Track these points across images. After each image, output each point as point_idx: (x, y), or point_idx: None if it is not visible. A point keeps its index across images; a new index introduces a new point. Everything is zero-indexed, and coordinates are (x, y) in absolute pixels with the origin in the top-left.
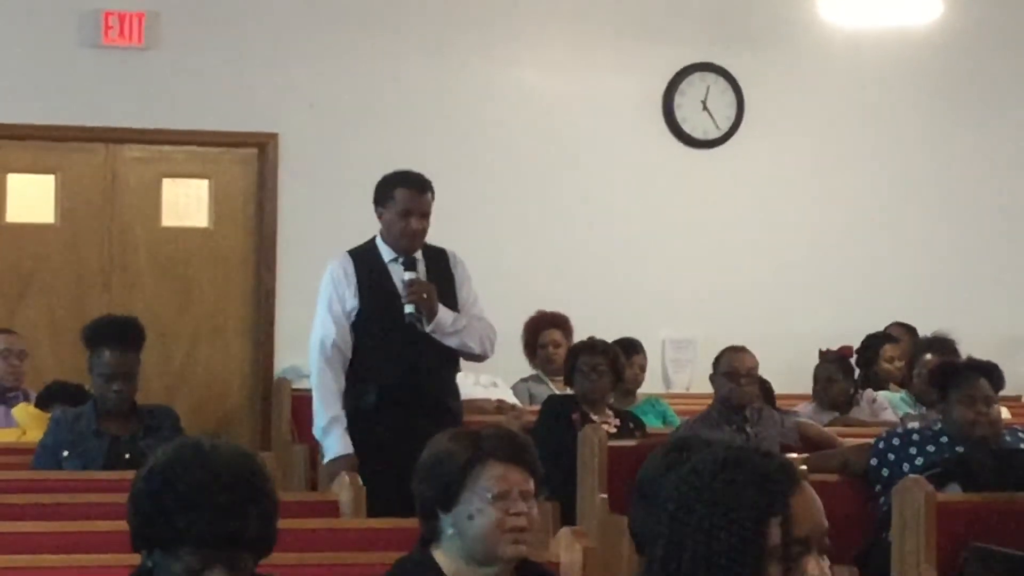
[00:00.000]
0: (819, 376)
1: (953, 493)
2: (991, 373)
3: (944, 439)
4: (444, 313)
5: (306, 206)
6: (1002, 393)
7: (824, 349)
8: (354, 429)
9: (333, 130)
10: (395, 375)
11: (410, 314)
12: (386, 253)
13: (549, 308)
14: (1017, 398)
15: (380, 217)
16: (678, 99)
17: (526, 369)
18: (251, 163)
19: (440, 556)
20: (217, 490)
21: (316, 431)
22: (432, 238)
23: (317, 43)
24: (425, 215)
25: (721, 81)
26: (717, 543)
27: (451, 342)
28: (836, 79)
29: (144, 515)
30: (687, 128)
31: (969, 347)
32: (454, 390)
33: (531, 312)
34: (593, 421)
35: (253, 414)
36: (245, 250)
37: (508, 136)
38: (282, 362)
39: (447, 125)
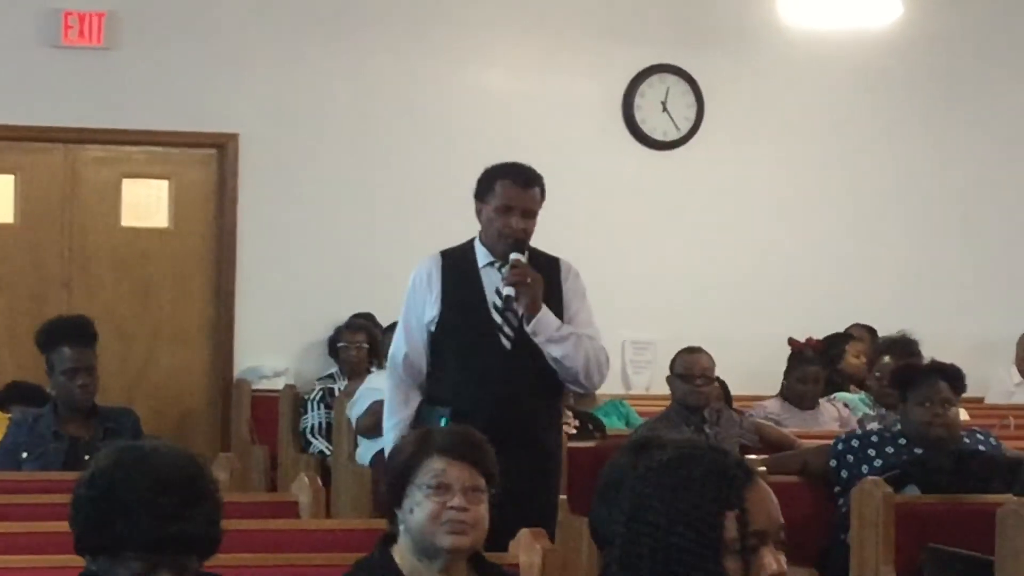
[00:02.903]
0: (805, 376)
1: (911, 495)
2: (952, 376)
3: (902, 441)
4: (549, 316)
5: (266, 207)
6: (965, 395)
7: (800, 340)
8: None
9: (293, 131)
10: (473, 398)
11: (508, 297)
12: (482, 256)
13: None
14: (979, 400)
15: (479, 214)
16: (638, 101)
17: None
18: (211, 163)
19: (398, 554)
20: (160, 494)
21: (385, 444)
22: (395, 238)
23: (277, 44)
24: (530, 214)
25: (681, 83)
26: (674, 537)
27: (553, 351)
28: (796, 81)
29: (87, 521)
30: (647, 130)
31: (933, 349)
32: (553, 422)
33: None
34: None
35: (213, 415)
36: (205, 251)
37: (468, 137)
38: (242, 363)
39: (407, 126)
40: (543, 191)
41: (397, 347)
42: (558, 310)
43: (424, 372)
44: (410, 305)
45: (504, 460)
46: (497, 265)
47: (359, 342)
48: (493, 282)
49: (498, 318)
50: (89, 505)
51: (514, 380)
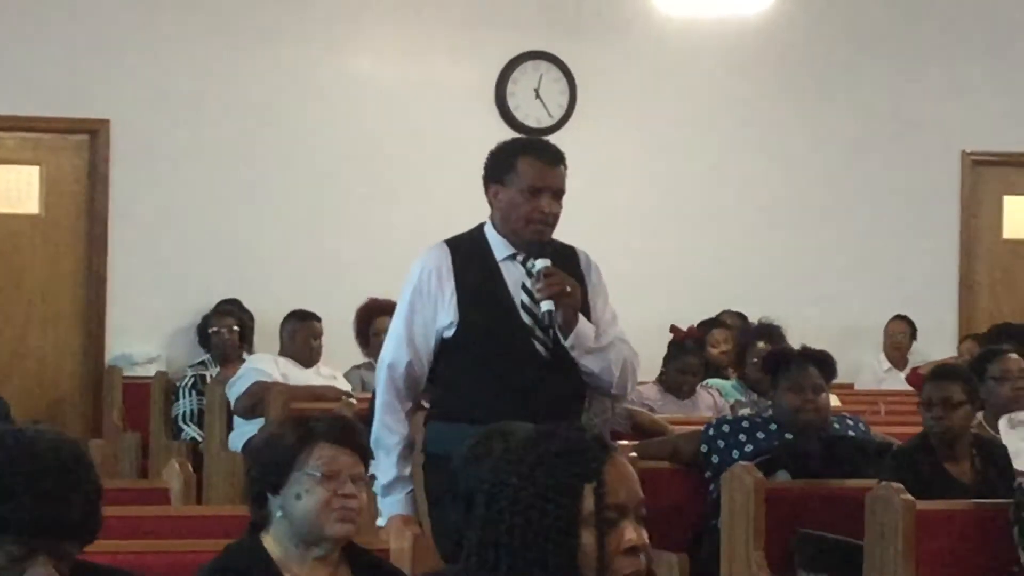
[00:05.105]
0: (685, 366)
1: (782, 480)
2: (822, 362)
3: (773, 426)
4: (586, 326)
5: (137, 193)
6: (835, 381)
7: (681, 328)
8: (434, 480)
9: (165, 117)
10: (506, 413)
11: (548, 313)
12: (499, 248)
13: (381, 296)
14: (849, 386)
15: (493, 198)
16: (511, 87)
17: (359, 357)
18: (82, 149)
19: (268, 542)
20: (39, 478)
21: (376, 485)
22: (265, 225)
23: (149, 29)
24: (559, 195)
25: (554, 69)
26: (532, 512)
27: (592, 364)
28: (669, 68)
29: None
30: (520, 116)
31: (802, 336)
32: None
33: (362, 300)
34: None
35: (84, 402)
36: (76, 237)
37: (339, 123)
38: (113, 349)
39: (278, 113)
40: (567, 169)
41: (397, 355)
42: (583, 303)
43: (423, 383)
44: (414, 306)
45: None
46: (520, 258)
47: (229, 325)
48: (516, 278)
49: (528, 320)
50: None
51: (551, 391)
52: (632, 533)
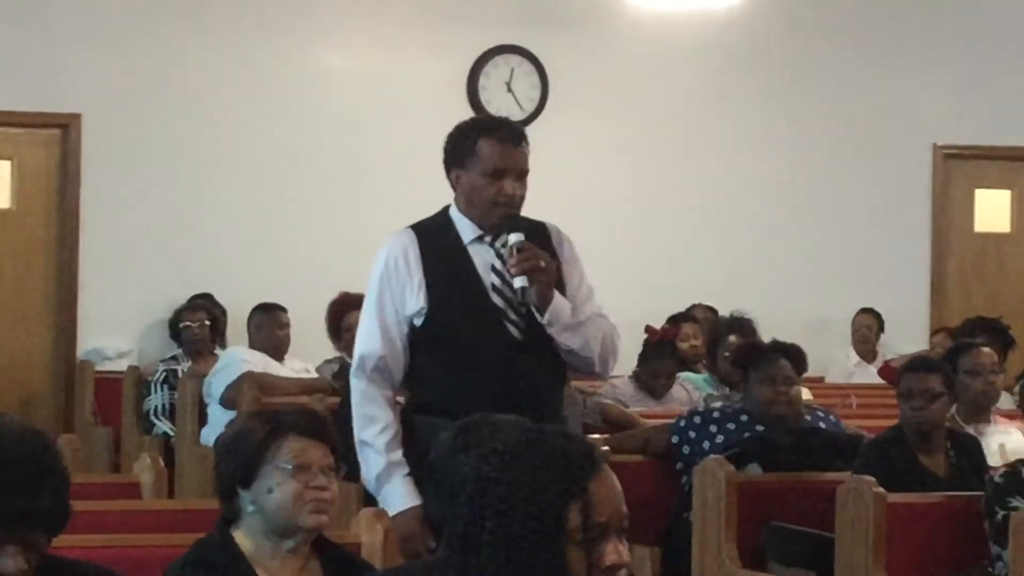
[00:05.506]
0: (660, 370)
1: (753, 472)
2: (793, 354)
3: (744, 418)
4: (562, 301)
5: (109, 188)
6: (805, 374)
7: (656, 328)
8: (417, 475)
9: (136, 111)
10: (481, 407)
11: (523, 289)
12: (466, 231)
13: (354, 290)
14: (819, 379)
15: (456, 182)
16: (483, 81)
17: (331, 352)
18: (54, 144)
19: (239, 536)
20: (7, 468)
21: (368, 479)
22: (237, 220)
23: (120, 24)
24: (523, 175)
25: (526, 63)
26: (516, 525)
27: (570, 341)
28: (641, 61)
29: None
30: (492, 110)
31: (772, 329)
32: (561, 420)
33: (334, 294)
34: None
35: (56, 396)
36: (48, 232)
37: (311, 117)
38: (85, 344)
39: (251, 108)
40: (529, 146)
41: (370, 350)
42: (558, 286)
43: (399, 375)
44: (383, 295)
45: None
46: (488, 240)
47: (200, 320)
48: (485, 260)
49: (500, 302)
50: None
51: (527, 375)
52: (613, 554)
